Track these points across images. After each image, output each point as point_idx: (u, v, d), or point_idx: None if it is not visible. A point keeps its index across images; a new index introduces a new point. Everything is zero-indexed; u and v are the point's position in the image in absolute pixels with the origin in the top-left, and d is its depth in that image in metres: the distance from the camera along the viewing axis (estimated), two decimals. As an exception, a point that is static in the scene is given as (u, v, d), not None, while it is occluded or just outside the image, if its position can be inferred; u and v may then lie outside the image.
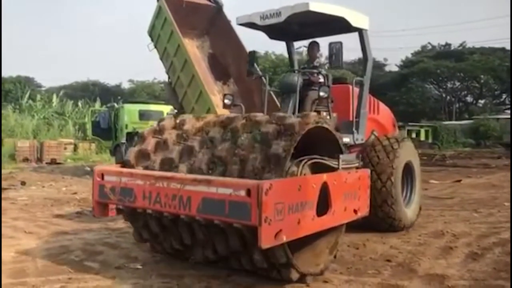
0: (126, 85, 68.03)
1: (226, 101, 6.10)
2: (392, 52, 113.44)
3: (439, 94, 57.66)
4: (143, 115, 18.14)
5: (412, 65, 54.68)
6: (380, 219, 6.53)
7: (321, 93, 5.81)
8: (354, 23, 6.23)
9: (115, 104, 20.94)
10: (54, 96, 39.97)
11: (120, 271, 4.94)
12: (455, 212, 8.53)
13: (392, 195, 6.36)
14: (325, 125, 4.64)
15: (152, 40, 11.70)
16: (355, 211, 4.99)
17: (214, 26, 11.52)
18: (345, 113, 6.57)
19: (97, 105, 36.76)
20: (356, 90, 6.64)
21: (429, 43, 61.30)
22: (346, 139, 6.15)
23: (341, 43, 5.88)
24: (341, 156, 4.76)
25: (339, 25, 6.35)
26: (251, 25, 6.34)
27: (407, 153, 6.78)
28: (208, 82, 10.18)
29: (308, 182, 4.21)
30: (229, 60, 11.06)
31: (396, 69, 59.19)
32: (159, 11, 10.81)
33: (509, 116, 42.71)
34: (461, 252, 5.72)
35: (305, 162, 4.56)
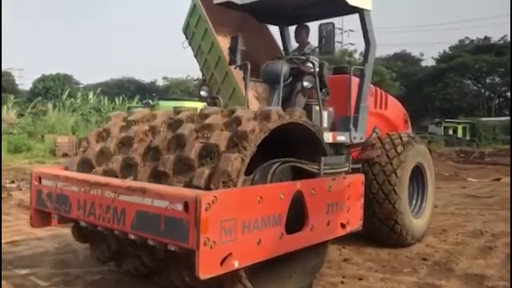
0: (160, 82, 69.01)
1: (202, 93, 5.29)
2: (429, 47, 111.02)
3: (477, 89, 55.78)
4: None
5: (449, 59, 53.04)
6: (384, 234, 5.65)
7: (305, 83, 4.93)
8: (353, 2, 5.33)
9: (150, 101, 20.63)
10: (91, 93, 40.22)
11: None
12: (495, 211, 8.32)
13: (397, 206, 5.47)
14: (301, 122, 3.77)
15: (186, 37, 11.55)
16: (343, 226, 4.14)
17: (247, 23, 11.13)
18: (343, 108, 5.67)
19: (135, 102, 36.95)
20: (356, 80, 5.74)
21: (467, 37, 59.06)
22: (341, 138, 5.27)
23: (333, 24, 5.01)
24: (323, 159, 3.89)
25: (337, 6, 5.47)
26: (231, 6, 5.53)
27: (416, 154, 5.85)
28: (241, 79, 9.80)
29: (273, 192, 3.37)
30: (261, 56, 10.64)
31: (433, 63, 57.32)
32: (193, 9, 10.60)
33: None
34: (501, 252, 5.60)
35: (277, 167, 3.72)
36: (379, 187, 5.45)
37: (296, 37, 5.97)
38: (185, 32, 11.84)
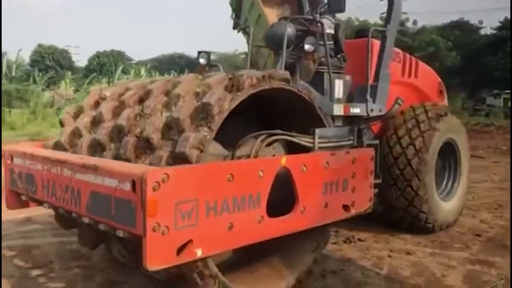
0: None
1: (201, 60, 4.81)
2: (488, 14, 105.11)
3: (542, 58, 51.93)
4: None
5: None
6: (406, 223, 5.05)
7: (306, 46, 4.33)
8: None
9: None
10: (143, 69, 40.85)
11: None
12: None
13: (421, 193, 4.87)
14: (284, 87, 3.23)
15: (233, 10, 11.38)
16: (347, 208, 3.60)
17: None
18: (364, 76, 5.05)
19: (184, 76, 37.34)
20: (377, 44, 5.08)
21: (531, 1, 54.71)
22: (355, 110, 4.66)
23: None
24: (317, 131, 3.35)
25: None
26: None
27: (447, 129, 5.16)
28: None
29: (248, 168, 2.88)
30: None
31: (492, 32, 53.70)
32: None
33: None
34: (560, 229, 5.24)
35: (262, 140, 3.23)
36: (399, 172, 4.84)
37: None
38: (231, 5, 11.83)
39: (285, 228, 3.14)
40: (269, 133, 3.25)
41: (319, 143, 3.37)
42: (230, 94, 2.86)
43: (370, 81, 4.84)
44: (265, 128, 3.44)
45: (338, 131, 3.59)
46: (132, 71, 40.54)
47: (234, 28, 5.07)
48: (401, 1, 5.16)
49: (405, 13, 49.37)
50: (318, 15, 4.75)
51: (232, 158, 3.21)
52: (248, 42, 4.97)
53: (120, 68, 40.16)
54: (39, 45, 50.04)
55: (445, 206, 5.24)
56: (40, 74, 36.72)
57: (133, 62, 59.37)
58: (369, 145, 4.75)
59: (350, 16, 40.28)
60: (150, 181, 2.36)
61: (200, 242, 2.60)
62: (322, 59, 4.78)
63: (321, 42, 4.61)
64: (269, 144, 3.48)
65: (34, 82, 30.56)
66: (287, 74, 3.18)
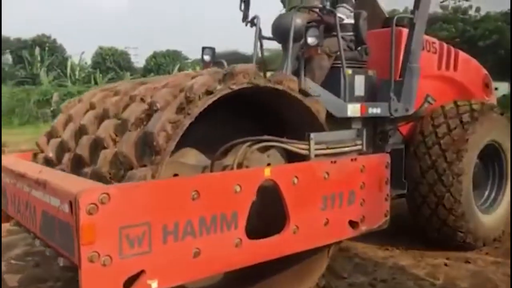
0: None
1: (205, 57, 4.40)
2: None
3: None
4: None
5: None
6: (438, 240, 4.45)
7: (309, 40, 3.79)
8: None
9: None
10: (198, 67, 41.55)
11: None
12: None
13: (455, 209, 4.25)
14: (269, 85, 2.77)
15: (284, 5, 11.16)
16: (354, 224, 3.09)
17: None
18: (388, 70, 4.47)
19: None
20: (404, 34, 4.49)
21: None
22: (375, 110, 4.10)
23: None
24: (313, 136, 2.87)
25: None
26: None
27: (486, 130, 4.48)
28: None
29: (219, 183, 2.45)
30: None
31: None
32: None
33: None
34: None
35: (248, 148, 2.79)
36: (429, 188, 4.24)
37: None
38: (283, 1, 11.67)
39: (273, 251, 2.68)
40: (256, 139, 2.80)
41: (316, 149, 2.88)
42: (179, 115, 2.42)
43: (395, 77, 4.26)
44: (265, 134, 3.02)
45: (342, 135, 3.08)
46: (190, 70, 41.39)
47: (243, 20, 4.60)
48: None
49: (468, 0, 46.78)
50: (328, 3, 4.19)
51: (211, 170, 2.79)
52: (255, 36, 4.48)
53: (177, 68, 40.77)
54: (100, 47, 51.83)
55: (488, 220, 4.56)
56: (101, 75, 37.94)
57: (189, 61, 60.44)
58: (394, 150, 4.20)
59: (408, 6, 38.77)
60: (84, 202, 1.99)
61: (155, 272, 2.20)
62: (339, 52, 4.26)
63: (335, 33, 4.09)
64: (264, 151, 3.06)
65: (96, 83, 31.52)
66: (252, 68, 2.71)
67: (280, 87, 2.77)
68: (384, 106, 4.15)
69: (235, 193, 2.46)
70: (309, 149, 2.86)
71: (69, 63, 39.83)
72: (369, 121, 4.24)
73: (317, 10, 4.24)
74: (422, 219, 4.38)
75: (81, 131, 2.92)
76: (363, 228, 3.14)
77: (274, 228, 2.70)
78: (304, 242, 2.83)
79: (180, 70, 40.32)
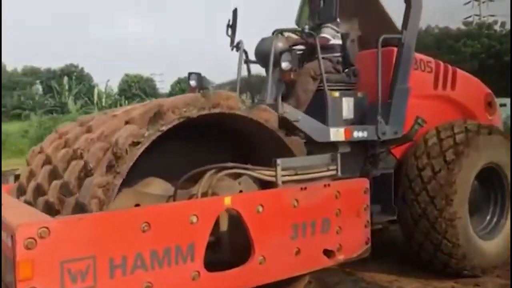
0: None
1: (191, 82, 4.36)
2: None
3: None
4: None
5: None
6: (433, 265, 4.27)
7: (283, 64, 3.71)
8: None
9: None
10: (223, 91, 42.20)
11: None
12: None
13: (448, 234, 4.07)
14: (227, 112, 2.71)
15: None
16: (330, 253, 2.96)
17: (362, 6, 10.62)
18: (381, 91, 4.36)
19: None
20: (392, 54, 4.39)
21: None
22: (361, 134, 3.98)
23: None
24: (279, 161, 2.78)
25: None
26: None
27: (483, 152, 4.30)
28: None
29: (173, 213, 2.38)
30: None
31: None
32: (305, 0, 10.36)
33: None
34: None
35: (212, 175, 2.73)
36: (421, 211, 4.08)
37: (309, 2, 4.67)
38: (297, 23, 11.76)
39: (236, 284, 2.58)
40: (220, 167, 2.73)
41: (284, 176, 2.78)
42: (109, 176, 2.38)
43: (382, 99, 4.14)
44: (243, 160, 2.96)
45: (313, 160, 2.97)
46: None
47: (230, 45, 4.57)
48: (422, 3, 4.43)
49: (493, 15, 46.10)
50: (306, 26, 4.10)
51: (174, 199, 2.72)
52: (238, 60, 4.43)
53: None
54: (126, 75, 53.06)
55: (488, 247, 4.32)
56: (127, 102, 38.70)
57: (213, 85, 61.14)
58: (383, 176, 4.07)
59: (429, 23, 38.42)
60: (21, 237, 1.94)
61: (101, 309, 2.12)
62: (325, 75, 4.18)
63: (329, 55, 4.03)
64: (235, 178, 2.99)
65: (122, 110, 32.13)
66: (231, 98, 2.66)
67: (217, 110, 2.68)
68: (371, 129, 4.03)
69: (191, 224, 2.39)
70: (276, 176, 2.76)
71: (95, 91, 40.83)
72: (358, 145, 4.12)
73: (295, 33, 4.18)
74: (415, 243, 4.20)
75: (38, 189, 2.91)
76: (340, 257, 3.00)
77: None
78: (273, 273, 2.71)
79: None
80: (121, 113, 2.73)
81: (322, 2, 3.91)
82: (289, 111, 3.53)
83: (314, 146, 3.76)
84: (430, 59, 4.93)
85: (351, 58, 4.32)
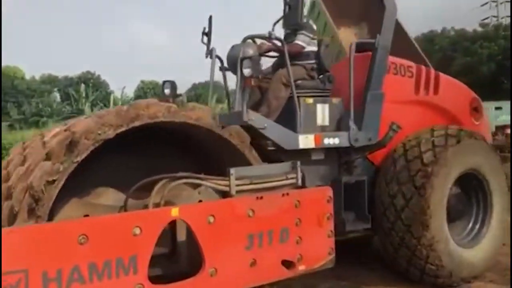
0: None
1: (166, 91, 4.28)
2: None
3: None
4: None
5: None
6: (409, 272, 4.15)
7: (244, 72, 3.61)
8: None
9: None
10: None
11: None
12: None
13: (423, 239, 3.92)
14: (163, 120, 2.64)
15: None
16: (290, 264, 2.88)
17: (369, 11, 10.69)
18: (356, 98, 4.26)
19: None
20: (364, 59, 4.30)
21: None
22: (332, 141, 3.88)
23: None
24: (233, 171, 2.71)
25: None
26: None
27: (463, 157, 4.18)
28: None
29: (113, 226, 2.31)
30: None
31: None
32: (312, 5, 10.44)
33: None
34: None
35: (164, 185, 2.67)
36: (397, 215, 3.97)
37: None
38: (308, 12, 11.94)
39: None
40: (171, 176, 2.67)
41: (239, 185, 2.71)
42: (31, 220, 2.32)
43: (355, 105, 4.06)
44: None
45: (270, 168, 2.90)
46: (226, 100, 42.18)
47: (206, 53, 4.49)
48: (396, 6, 4.35)
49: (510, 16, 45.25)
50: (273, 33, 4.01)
51: (124, 209, 2.66)
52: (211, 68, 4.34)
53: (215, 98, 41.50)
54: (142, 81, 53.41)
55: (469, 255, 4.19)
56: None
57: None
58: (358, 183, 3.99)
59: (445, 25, 38.13)
60: None
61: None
62: (299, 81, 4.12)
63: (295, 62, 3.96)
64: (195, 188, 2.93)
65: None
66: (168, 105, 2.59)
67: (137, 123, 2.57)
68: (343, 136, 3.94)
69: (133, 236, 2.32)
70: (229, 185, 2.69)
71: (111, 98, 41.07)
72: (332, 152, 4.04)
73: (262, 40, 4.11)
74: (391, 249, 4.10)
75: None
76: (301, 268, 2.92)
77: None
78: (225, 285, 2.64)
79: (218, 100, 41.00)
80: (50, 137, 2.65)
81: (288, 8, 3.83)
82: (255, 118, 3.45)
83: (285, 154, 3.70)
84: (412, 63, 4.83)
85: (326, 65, 4.25)
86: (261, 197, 2.76)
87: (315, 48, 4.28)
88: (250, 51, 3.91)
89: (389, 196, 4.03)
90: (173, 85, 4.18)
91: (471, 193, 4.48)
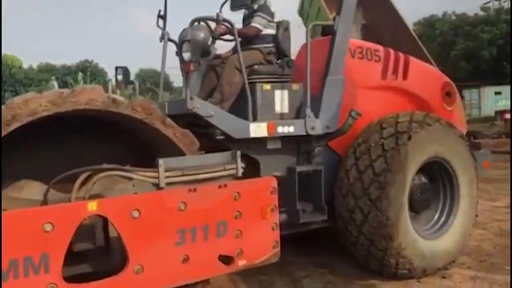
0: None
1: (118, 77, 4.07)
2: None
3: None
4: None
5: None
6: (369, 262, 4.01)
7: (184, 56, 3.39)
8: None
9: None
10: None
11: None
12: None
13: (383, 229, 3.76)
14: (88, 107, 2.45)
15: (302, 19, 11.32)
16: (229, 260, 2.72)
17: None
18: (318, 84, 4.08)
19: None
20: (321, 44, 4.12)
21: None
22: (287, 129, 3.70)
23: None
24: (162, 162, 2.54)
25: None
26: None
27: (425, 144, 4.00)
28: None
29: (17, 222, 2.14)
30: (383, 29, 9.97)
31: None
32: None
33: None
34: None
35: (87, 178, 2.50)
36: (355, 202, 3.81)
37: None
38: (300, 13, 11.74)
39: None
40: (96, 168, 2.50)
41: (169, 177, 2.55)
42: None
43: (312, 91, 3.87)
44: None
45: (205, 159, 2.72)
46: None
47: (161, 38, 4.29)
48: None
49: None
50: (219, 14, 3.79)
51: (45, 203, 2.50)
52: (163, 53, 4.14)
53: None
54: (140, 69, 53.09)
55: (432, 246, 4.03)
56: (142, 96, 39.00)
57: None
58: (315, 171, 3.82)
59: (446, 10, 37.70)
60: None
61: None
62: (255, 66, 3.94)
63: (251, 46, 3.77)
64: (129, 180, 2.76)
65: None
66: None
67: (17, 124, 2.30)
68: (299, 123, 3.76)
69: (44, 233, 2.16)
70: (158, 177, 2.52)
71: (110, 86, 40.86)
72: (291, 140, 3.86)
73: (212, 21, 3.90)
74: (350, 236, 3.95)
75: None
76: (241, 263, 2.76)
77: None
78: (153, 283, 2.48)
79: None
80: None
81: None
82: (200, 106, 3.27)
83: (238, 144, 3.53)
84: (379, 47, 4.65)
85: (285, 48, 4.06)
86: (194, 189, 2.59)
87: (273, 31, 4.10)
88: (201, 34, 3.71)
89: (348, 210, 3.87)
90: (125, 72, 4.01)
91: (438, 181, 4.32)
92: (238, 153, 2.79)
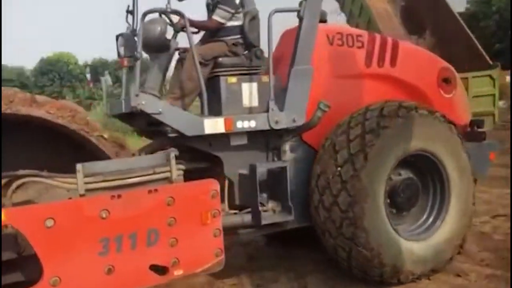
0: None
1: (120, 49, 3.46)
2: None
3: None
4: None
5: None
6: (350, 268, 3.72)
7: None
8: None
9: None
10: None
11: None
12: None
13: (360, 230, 3.47)
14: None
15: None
16: (163, 269, 2.56)
17: None
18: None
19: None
20: (288, 33, 3.86)
21: None
22: (248, 124, 3.45)
23: None
24: (80, 166, 2.38)
25: None
26: None
27: (407, 137, 3.66)
28: (398, 38, 9.03)
29: None
30: (423, 10, 9.53)
31: None
32: None
33: None
34: None
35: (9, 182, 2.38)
36: (333, 200, 3.52)
37: None
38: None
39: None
40: (12, 175, 2.37)
41: (90, 183, 2.39)
42: None
43: (275, 82, 3.62)
44: None
45: (133, 162, 2.54)
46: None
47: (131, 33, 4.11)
48: None
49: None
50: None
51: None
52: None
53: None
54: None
55: (417, 249, 3.68)
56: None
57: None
58: (281, 168, 3.59)
59: None
60: None
61: None
62: (220, 59, 3.73)
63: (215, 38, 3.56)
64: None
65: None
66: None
67: None
68: (262, 117, 3.52)
69: None
70: (77, 184, 2.37)
71: (103, 82, 41.65)
72: (257, 136, 3.64)
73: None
74: (328, 237, 3.68)
75: None
76: (176, 272, 2.60)
77: None
78: (72, 297, 2.34)
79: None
80: None
81: None
82: (146, 102, 3.08)
83: (197, 141, 3.35)
84: (362, 32, 4.34)
85: (251, 39, 3.82)
86: (119, 196, 2.43)
87: (239, 22, 3.85)
88: (158, 28, 3.51)
89: (322, 223, 3.62)
90: (130, 40, 3.75)
91: (427, 177, 3.99)
92: (172, 154, 2.60)
